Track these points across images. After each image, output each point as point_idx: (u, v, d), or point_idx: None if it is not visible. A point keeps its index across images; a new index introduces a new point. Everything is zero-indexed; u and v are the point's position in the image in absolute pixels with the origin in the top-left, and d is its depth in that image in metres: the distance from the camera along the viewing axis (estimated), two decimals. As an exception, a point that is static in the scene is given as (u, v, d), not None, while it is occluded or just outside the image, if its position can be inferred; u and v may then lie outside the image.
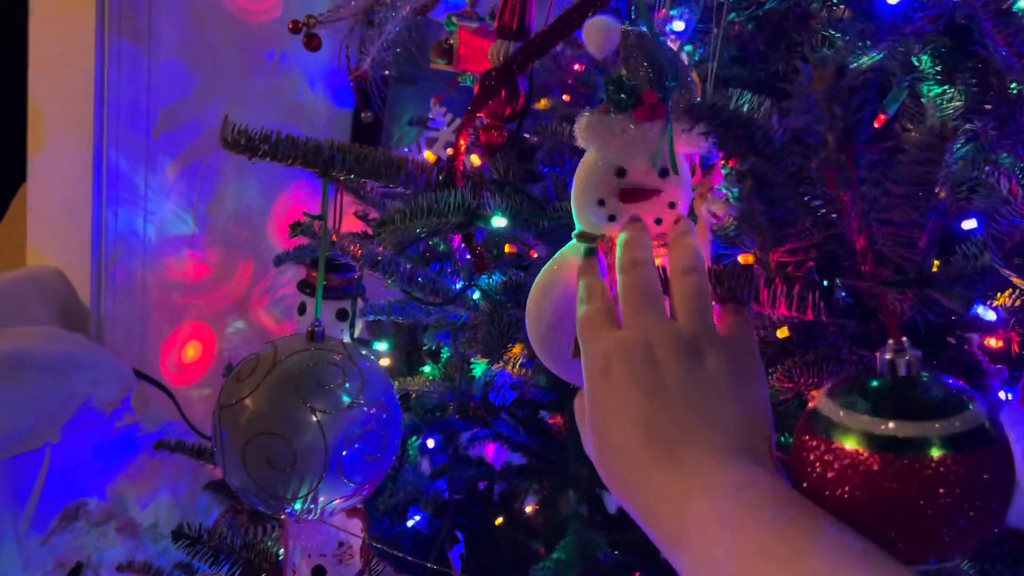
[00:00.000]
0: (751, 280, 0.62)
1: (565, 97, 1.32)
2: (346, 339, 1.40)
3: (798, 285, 0.59)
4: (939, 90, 0.76)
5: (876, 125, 0.86)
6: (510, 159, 0.95)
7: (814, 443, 0.51)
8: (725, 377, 0.55)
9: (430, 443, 1.48)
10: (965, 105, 0.72)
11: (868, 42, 0.74)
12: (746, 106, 0.89)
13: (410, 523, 1.44)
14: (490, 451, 1.57)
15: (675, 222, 0.65)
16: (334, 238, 0.94)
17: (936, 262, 0.86)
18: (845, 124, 0.51)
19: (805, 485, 0.52)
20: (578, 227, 0.73)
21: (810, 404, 0.54)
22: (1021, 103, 0.67)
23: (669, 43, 0.75)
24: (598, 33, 0.70)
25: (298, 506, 0.81)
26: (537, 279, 0.74)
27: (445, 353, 1.41)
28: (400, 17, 1.29)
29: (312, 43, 1.28)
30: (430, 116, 1.67)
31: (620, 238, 0.64)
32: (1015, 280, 0.77)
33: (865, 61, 0.78)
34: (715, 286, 0.62)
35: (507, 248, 1.16)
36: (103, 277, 1.84)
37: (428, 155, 1.04)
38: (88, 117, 1.76)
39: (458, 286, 1.03)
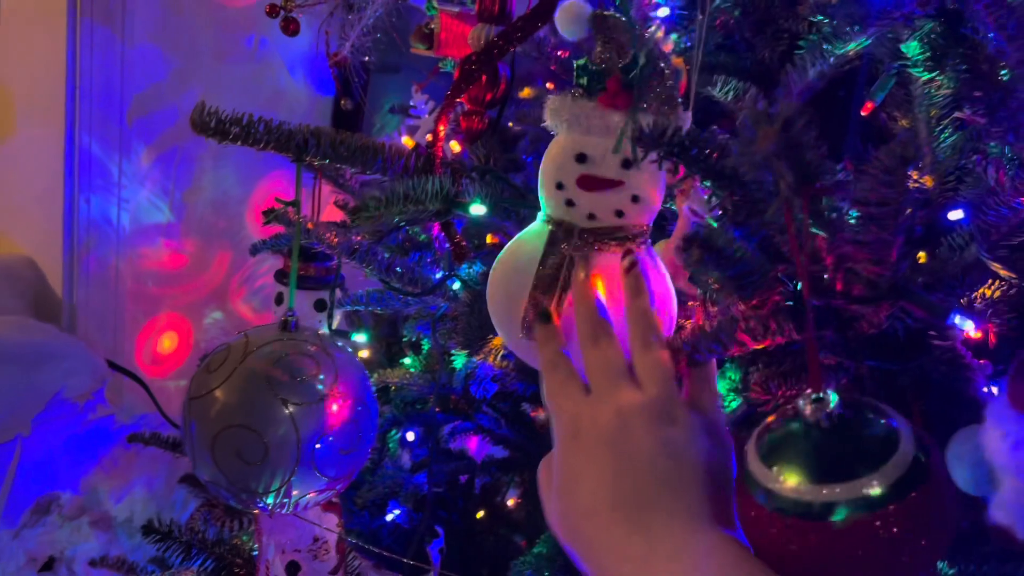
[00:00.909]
0: (717, 337, 0.61)
1: (549, 85, 1.30)
2: (324, 330, 1.38)
3: (771, 321, 0.58)
4: (928, 77, 0.75)
5: (863, 113, 0.85)
6: (491, 146, 0.93)
7: (754, 511, 0.51)
8: (692, 444, 0.56)
9: (410, 436, 1.46)
10: (955, 92, 0.70)
11: (856, 28, 0.72)
12: (731, 94, 0.87)
13: (389, 517, 1.42)
14: (473, 444, 1.56)
15: (627, 269, 0.64)
16: (309, 226, 0.91)
17: (923, 254, 0.86)
18: (797, 173, 0.50)
19: (756, 544, 0.52)
20: (544, 210, 0.72)
21: (747, 455, 0.53)
22: (1012, 89, 0.66)
23: (652, 29, 0.73)
24: (569, 16, 0.68)
25: (270, 500, 0.79)
26: (499, 257, 0.72)
27: (426, 345, 1.39)
28: (380, 2, 1.26)
29: (290, 27, 1.26)
30: (411, 104, 1.64)
31: (576, 302, 0.64)
32: (1001, 271, 0.76)
33: (853, 47, 0.76)
34: (679, 352, 0.61)
35: (489, 238, 1.14)
36: (75, 266, 1.80)
37: (407, 140, 1.02)
38: (60, 101, 1.72)
39: (437, 276, 1.01)
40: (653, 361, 0.59)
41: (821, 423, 0.52)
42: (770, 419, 0.55)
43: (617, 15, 0.69)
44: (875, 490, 0.48)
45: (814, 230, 0.57)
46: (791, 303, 0.59)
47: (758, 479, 0.51)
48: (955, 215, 0.80)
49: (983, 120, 0.69)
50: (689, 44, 1.01)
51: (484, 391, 1.38)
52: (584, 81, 0.68)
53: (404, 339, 1.38)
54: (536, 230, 0.72)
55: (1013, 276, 0.75)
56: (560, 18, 0.70)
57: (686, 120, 0.70)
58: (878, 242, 0.53)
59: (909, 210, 0.53)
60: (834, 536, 0.48)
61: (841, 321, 0.61)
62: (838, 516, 0.48)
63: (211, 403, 0.78)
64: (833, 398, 0.52)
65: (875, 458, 0.50)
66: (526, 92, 1.32)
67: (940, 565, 0.64)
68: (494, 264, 0.75)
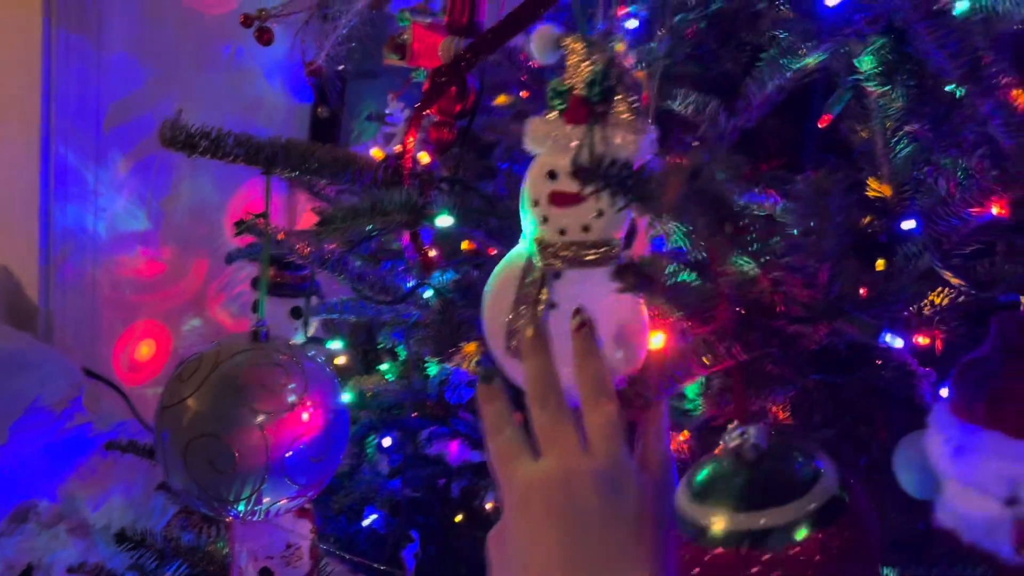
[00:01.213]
0: (671, 372, 0.62)
1: (523, 94, 1.32)
2: (300, 338, 1.40)
3: (718, 345, 0.60)
4: (881, 91, 0.77)
5: (820, 125, 0.87)
6: (460, 156, 0.95)
7: (687, 550, 0.52)
8: (641, 508, 0.56)
9: (386, 442, 1.47)
10: (905, 106, 0.73)
11: (811, 43, 0.75)
12: (692, 106, 0.89)
13: (366, 522, 1.43)
14: (453, 449, 1.57)
15: (577, 328, 0.63)
16: (280, 236, 0.93)
17: (881, 261, 0.88)
18: (709, 218, 0.52)
19: None
20: (529, 227, 0.74)
21: (678, 498, 0.55)
22: (956, 105, 0.68)
23: (616, 44, 0.75)
24: (542, 41, 0.70)
25: (241, 508, 0.80)
26: (493, 275, 0.74)
27: (402, 352, 1.40)
28: (354, 11, 1.28)
29: (264, 37, 1.27)
30: (388, 112, 1.66)
31: (525, 358, 0.63)
32: (952, 280, 0.79)
33: (809, 61, 0.78)
34: (633, 399, 0.62)
35: (464, 245, 1.16)
36: (51, 274, 1.80)
37: (375, 152, 1.03)
38: (35, 110, 1.72)
39: (409, 284, 1.02)
40: (603, 422, 0.58)
41: (745, 455, 0.53)
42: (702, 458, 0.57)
43: (580, 35, 0.71)
44: (793, 519, 0.50)
45: (742, 261, 0.58)
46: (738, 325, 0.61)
47: (686, 514, 0.53)
48: (907, 225, 0.82)
49: (930, 134, 0.71)
50: (662, 51, 1.04)
51: (459, 397, 1.39)
52: (556, 102, 0.70)
53: (380, 346, 1.39)
54: (520, 249, 0.74)
55: (963, 284, 0.78)
56: (534, 44, 0.72)
57: (650, 133, 0.72)
58: (806, 268, 0.55)
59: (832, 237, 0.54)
60: (760, 566, 0.50)
61: (785, 338, 0.63)
62: (762, 545, 0.49)
63: (183, 412, 0.80)
64: (755, 432, 0.54)
65: (795, 490, 0.51)
66: (501, 99, 1.34)
67: (887, 571, 0.66)
68: (488, 283, 0.77)
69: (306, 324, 1.37)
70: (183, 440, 0.79)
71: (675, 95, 0.87)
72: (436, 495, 1.48)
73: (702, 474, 0.54)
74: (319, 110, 1.82)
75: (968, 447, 0.58)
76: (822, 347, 0.70)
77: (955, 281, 0.78)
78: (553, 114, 0.69)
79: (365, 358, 1.49)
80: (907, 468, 0.64)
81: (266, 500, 0.80)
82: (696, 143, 0.93)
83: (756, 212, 0.68)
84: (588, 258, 0.72)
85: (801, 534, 0.49)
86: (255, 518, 0.82)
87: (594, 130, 0.70)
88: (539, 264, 0.72)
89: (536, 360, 0.62)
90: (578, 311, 0.64)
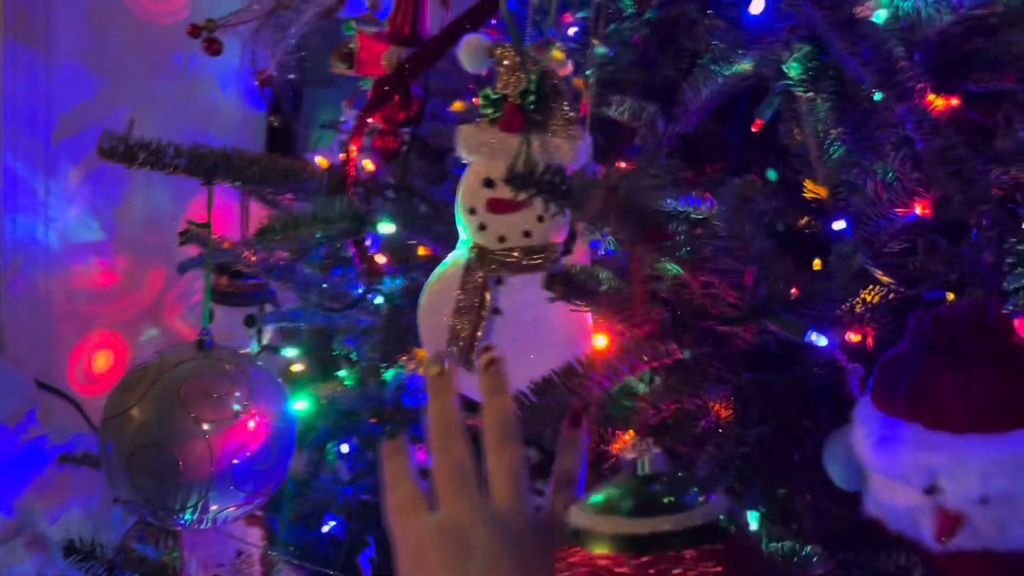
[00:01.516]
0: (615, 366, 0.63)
1: (475, 101, 1.33)
2: (254, 347, 1.39)
3: (649, 346, 0.61)
4: (808, 96, 0.79)
5: (754, 129, 0.90)
6: (407, 163, 0.96)
7: (566, 553, 0.53)
8: (540, 557, 0.55)
9: (345, 448, 1.48)
10: (830, 111, 0.75)
11: (740, 51, 0.77)
12: (626, 113, 0.91)
13: (325, 529, 1.43)
14: (421, 456, 1.57)
15: (486, 366, 0.61)
16: (226, 245, 0.93)
17: (818, 262, 0.90)
18: (631, 226, 0.53)
19: None
20: (464, 236, 0.75)
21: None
22: (872, 111, 0.70)
23: (555, 53, 0.76)
24: (470, 50, 0.71)
25: (188, 517, 0.80)
26: (426, 286, 0.75)
27: (357, 357, 1.40)
28: (304, 20, 1.28)
29: (212, 48, 1.27)
30: (342, 119, 1.66)
31: (430, 399, 0.61)
32: (883, 278, 0.81)
33: (739, 68, 0.80)
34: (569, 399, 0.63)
35: (421, 251, 1.17)
36: (2, 286, 1.78)
37: (320, 160, 1.04)
38: (-19, 121, 1.70)
39: (359, 291, 1.03)
40: (506, 466, 0.56)
41: (641, 468, 0.55)
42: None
43: (512, 45, 0.72)
44: (672, 529, 0.51)
45: (669, 266, 0.60)
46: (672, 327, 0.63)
47: (578, 519, 0.54)
48: (838, 225, 0.85)
49: (850, 138, 0.73)
50: (612, 54, 1.05)
51: (416, 401, 1.40)
52: (489, 110, 0.72)
53: (335, 353, 1.40)
54: (456, 256, 0.75)
55: (893, 282, 0.80)
56: (462, 53, 0.74)
57: (585, 140, 0.74)
58: (733, 270, 0.57)
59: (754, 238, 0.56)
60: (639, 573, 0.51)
61: (717, 337, 0.65)
62: (643, 552, 0.51)
63: (126, 422, 0.80)
64: (654, 451, 0.55)
65: (680, 507, 0.53)
66: (457, 106, 1.35)
67: (813, 551, 0.68)
68: (422, 291, 0.77)
69: (259, 333, 1.37)
70: (127, 450, 0.79)
71: (612, 102, 0.89)
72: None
73: (599, 495, 0.56)
74: (271, 119, 1.82)
75: (889, 439, 0.60)
76: (756, 346, 0.72)
77: (885, 279, 0.80)
78: (486, 122, 0.71)
79: (322, 365, 1.50)
80: (835, 461, 0.66)
81: (213, 508, 0.81)
82: (628, 153, 0.95)
83: (693, 216, 0.70)
84: (531, 263, 0.73)
85: (679, 545, 0.51)
86: (203, 526, 0.82)
87: (530, 138, 0.72)
88: (480, 271, 0.74)
89: (439, 402, 0.59)
90: (487, 348, 0.62)
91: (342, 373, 1.42)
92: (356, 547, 1.32)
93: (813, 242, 0.91)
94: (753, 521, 0.70)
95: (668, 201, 0.83)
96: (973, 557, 0.61)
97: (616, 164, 0.97)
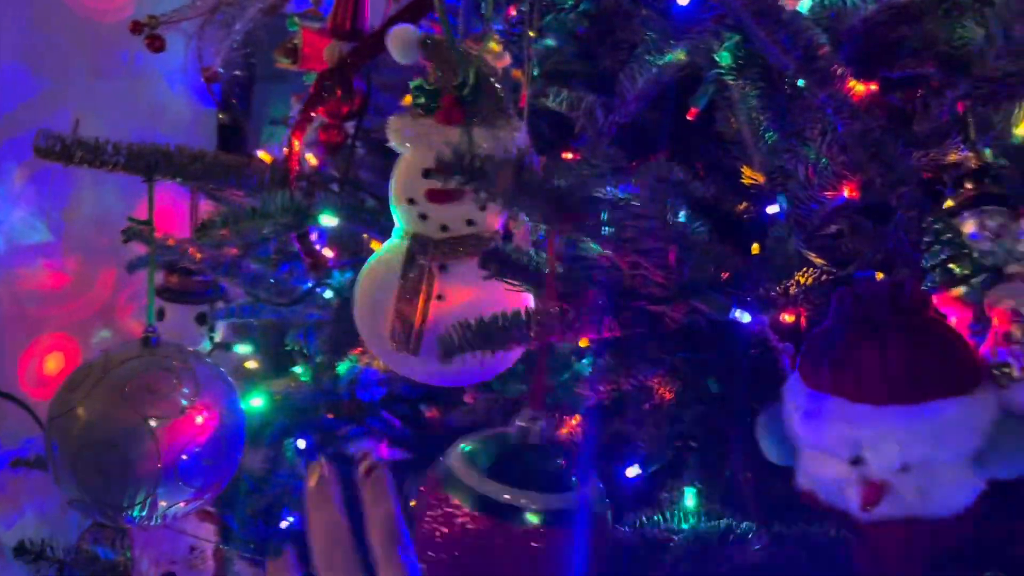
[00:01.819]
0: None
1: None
2: (206, 344, 1.39)
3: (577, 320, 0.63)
4: (738, 83, 0.81)
5: (689, 117, 0.92)
6: (351, 157, 0.97)
7: (430, 490, 0.55)
8: None
9: (302, 444, 1.48)
10: (757, 98, 0.77)
11: (671, 42, 0.78)
12: (564, 103, 0.93)
13: (284, 524, 1.43)
14: (384, 449, 1.58)
15: (366, 473, 0.57)
16: (170, 242, 0.93)
17: (756, 246, 0.93)
18: (548, 207, 0.55)
19: (418, 528, 0.56)
20: (400, 224, 0.76)
21: (453, 463, 0.58)
22: (796, 97, 0.73)
23: (491, 44, 0.78)
24: (399, 42, 0.72)
25: (136, 514, 0.80)
26: (360, 274, 0.75)
27: (310, 352, 1.41)
28: (249, 16, 1.28)
29: (155, 45, 1.26)
30: (291, 115, 1.66)
31: (310, 511, 0.58)
32: (815, 260, 0.84)
33: (671, 59, 0.82)
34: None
35: (374, 244, 1.17)
36: (-53, 291, 1.75)
37: (263, 156, 1.04)
38: (-79, 124, 1.67)
39: (307, 286, 1.03)
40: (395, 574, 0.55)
41: (528, 439, 0.57)
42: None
43: (443, 38, 0.73)
44: (533, 506, 0.53)
45: (593, 245, 0.62)
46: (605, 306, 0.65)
47: (455, 470, 0.56)
48: (772, 209, 0.87)
49: (776, 125, 0.75)
50: (554, 46, 1.07)
51: (371, 395, 1.41)
52: (422, 100, 0.73)
53: (288, 348, 1.40)
54: (394, 245, 0.76)
55: (825, 264, 0.83)
56: (391, 44, 0.74)
57: (520, 130, 0.75)
58: (656, 250, 0.59)
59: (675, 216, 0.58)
60: (493, 536, 0.53)
61: (652, 318, 0.67)
62: (502, 517, 0.53)
63: (72, 421, 0.80)
64: (544, 423, 0.57)
65: (549, 485, 0.55)
66: (408, 100, 1.35)
67: (749, 526, 0.70)
68: (357, 281, 0.78)
69: (211, 330, 1.36)
70: (73, 449, 0.79)
71: (549, 92, 0.91)
72: (356, 493, 1.49)
73: (487, 444, 0.58)
74: (220, 116, 1.81)
75: (814, 413, 0.63)
76: (692, 328, 0.74)
77: (818, 261, 0.83)
78: (419, 112, 0.72)
79: (277, 361, 1.49)
80: (768, 437, 0.69)
81: (162, 504, 0.81)
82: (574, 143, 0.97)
83: (619, 199, 0.71)
84: (474, 251, 0.74)
85: (534, 520, 0.53)
86: (153, 523, 0.82)
87: (468, 129, 0.73)
88: (423, 260, 0.75)
89: (320, 514, 0.57)
90: (365, 455, 0.60)
91: (297, 369, 1.42)
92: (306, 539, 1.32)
93: (752, 227, 0.94)
94: (690, 497, 0.72)
95: (609, 189, 0.85)
96: (898, 525, 0.64)
97: (562, 155, 0.99)
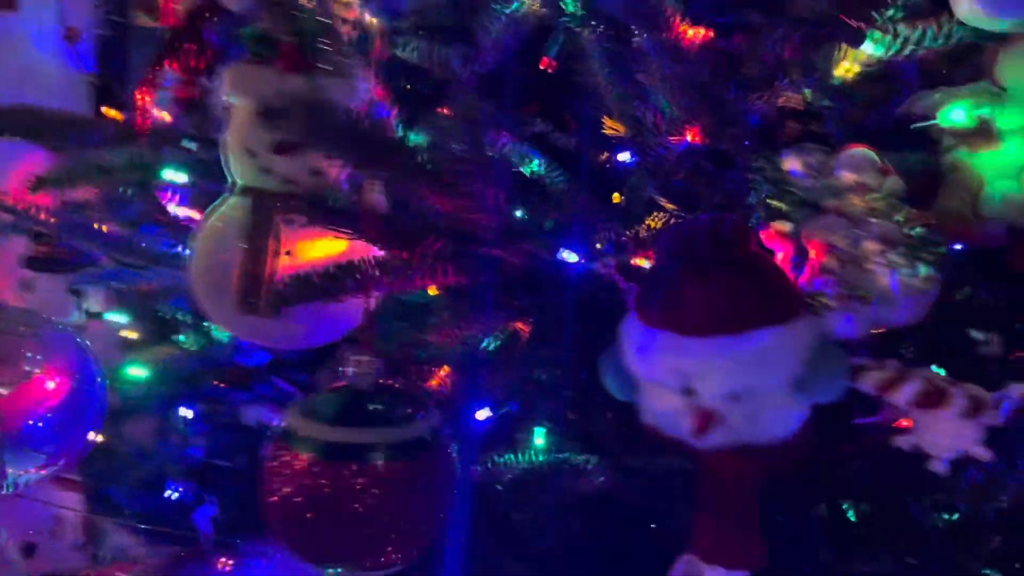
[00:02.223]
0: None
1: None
2: (76, 316, 1.35)
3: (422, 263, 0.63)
4: (585, 32, 0.82)
5: (541, 67, 0.93)
6: (205, 113, 0.94)
7: (272, 450, 0.56)
8: None
9: (187, 412, 1.45)
10: (603, 46, 0.78)
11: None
12: (414, 53, 0.92)
13: (171, 493, 1.41)
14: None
15: None
16: (21, 207, 0.89)
17: (617, 195, 0.94)
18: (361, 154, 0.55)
19: (264, 492, 0.57)
20: (238, 181, 0.74)
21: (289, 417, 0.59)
22: (626, 42, 0.74)
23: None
24: None
25: (-17, 483, 0.78)
26: (198, 238, 0.74)
27: (188, 318, 1.37)
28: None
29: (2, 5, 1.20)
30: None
31: None
32: (667, 205, 0.86)
33: (520, 6, 0.83)
34: None
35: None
36: None
37: (110, 112, 1.01)
38: None
39: (165, 247, 1.01)
40: None
41: (358, 383, 0.58)
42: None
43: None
44: (374, 441, 0.55)
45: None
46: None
47: (291, 425, 0.57)
48: (623, 156, 0.89)
49: (617, 72, 0.77)
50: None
51: (253, 360, 1.39)
52: (258, 49, 0.71)
53: (160, 314, 1.36)
54: (233, 202, 0.74)
55: (676, 208, 0.85)
56: None
57: (365, 80, 0.74)
58: (477, 193, 0.59)
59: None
60: (340, 479, 0.54)
61: (494, 264, 0.68)
62: (346, 459, 0.54)
63: (-91, 392, 0.77)
64: (372, 364, 0.59)
65: (386, 421, 0.56)
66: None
67: (597, 461, 0.72)
68: (194, 247, 0.76)
69: (80, 299, 1.32)
70: (-90, 420, 0.76)
71: (401, 44, 0.90)
72: (240, 460, 1.48)
73: (325, 395, 0.59)
74: (91, 78, 1.74)
75: (647, 347, 0.65)
76: (539, 273, 0.75)
77: (669, 206, 0.85)
78: (257, 62, 0.70)
79: (161, 330, 1.46)
80: (610, 373, 0.71)
81: (11, 472, 0.79)
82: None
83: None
84: (320, 203, 0.74)
85: (379, 458, 0.54)
86: (3, 491, 0.80)
87: (311, 78, 0.72)
88: (267, 216, 0.74)
89: None
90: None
91: (180, 337, 1.39)
92: (190, 507, 1.31)
93: (614, 176, 0.96)
94: (540, 436, 0.74)
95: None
96: (732, 453, 0.67)
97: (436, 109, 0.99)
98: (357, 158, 0.55)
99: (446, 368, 0.89)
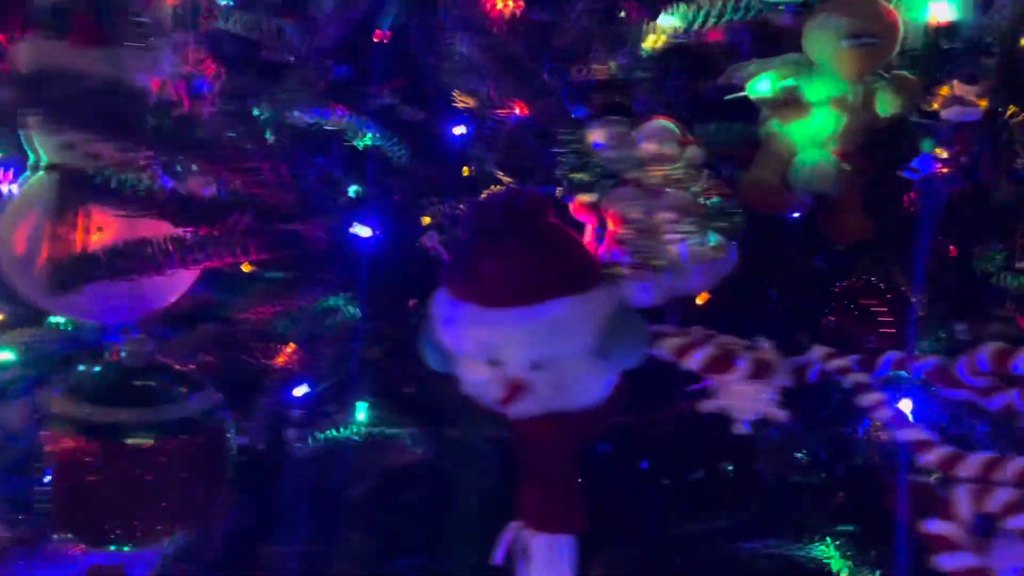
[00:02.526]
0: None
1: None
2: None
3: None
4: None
5: (375, 39, 0.92)
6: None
7: (62, 442, 0.56)
8: None
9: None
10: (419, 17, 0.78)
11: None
12: (239, 25, 0.91)
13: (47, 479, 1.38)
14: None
15: None
16: None
17: (466, 168, 0.95)
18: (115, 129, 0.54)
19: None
20: (41, 158, 0.73)
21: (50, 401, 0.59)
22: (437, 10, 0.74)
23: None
24: None
25: None
26: (4, 214, 0.72)
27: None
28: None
29: None
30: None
31: None
32: (505, 178, 0.86)
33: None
34: None
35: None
36: None
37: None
38: None
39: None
40: None
41: (125, 361, 0.57)
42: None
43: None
44: (140, 420, 0.55)
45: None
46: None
47: (57, 407, 0.56)
48: (459, 129, 0.89)
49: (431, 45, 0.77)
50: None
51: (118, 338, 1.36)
52: (47, 20, 0.69)
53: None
54: (37, 179, 0.72)
55: (513, 181, 0.86)
56: None
57: (166, 54, 0.73)
58: (260, 169, 0.59)
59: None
60: (109, 457, 0.54)
61: (302, 239, 0.67)
62: (113, 438, 0.54)
63: None
64: (143, 344, 0.58)
65: (154, 400, 0.56)
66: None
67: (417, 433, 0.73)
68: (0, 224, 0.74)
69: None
70: None
71: (226, 16, 0.88)
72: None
73: (81, 371, 0.58)
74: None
75: (453, 319, 0.66)
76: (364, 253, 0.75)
77: (506, 179, 0.86)
78: (43, 33, 0.68)
79: (26, 311, 1.42)
80: (428, 347, 0.71)
81: None
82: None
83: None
84: (126, 178, 0.72)
85: (147, 436, 0.54)
86: None
87: (112, 54, 0.70)
88: (75, 192, 0.72)
89: None
90: None
91: (52, 317, 1.36)
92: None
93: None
94: (362, 411, 0.74)
95: (311, 111, 0.85)
96: (544, 421, 0.68)
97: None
98: (112, 133, 0.54)
99: (292, 345, 0.89)
